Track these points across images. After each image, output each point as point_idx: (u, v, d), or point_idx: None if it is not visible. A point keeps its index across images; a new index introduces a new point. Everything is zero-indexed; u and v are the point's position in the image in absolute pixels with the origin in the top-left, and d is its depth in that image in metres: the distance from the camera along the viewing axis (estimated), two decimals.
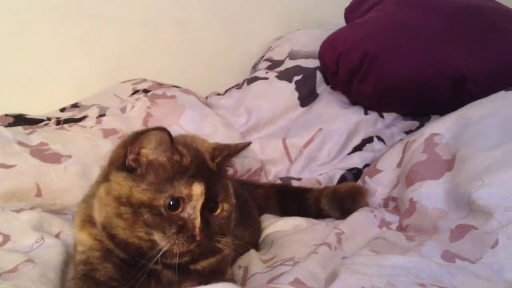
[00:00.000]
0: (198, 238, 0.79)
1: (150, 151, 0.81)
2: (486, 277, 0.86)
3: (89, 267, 0.86)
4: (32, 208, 1.20)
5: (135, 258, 0.83)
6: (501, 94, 1.32)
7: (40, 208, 1.23)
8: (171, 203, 0.79)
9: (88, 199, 0.90)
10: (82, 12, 1.84)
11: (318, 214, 1.39)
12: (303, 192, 1.46)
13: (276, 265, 1.03)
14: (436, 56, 1.62)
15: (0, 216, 1.12)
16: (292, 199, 1.45)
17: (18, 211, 1.14)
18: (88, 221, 0.88)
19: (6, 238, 1.06)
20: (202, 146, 0.89)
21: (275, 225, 1.32)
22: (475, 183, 1.07)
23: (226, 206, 0.87)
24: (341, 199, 1.37)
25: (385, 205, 1.33)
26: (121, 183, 0.81)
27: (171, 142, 0.80)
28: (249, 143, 0.91)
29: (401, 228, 1.18)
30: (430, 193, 1.17)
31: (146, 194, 0.79)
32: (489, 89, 1.41)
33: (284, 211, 1.42)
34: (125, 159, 0.82)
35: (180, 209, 0.80)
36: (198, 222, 0.80)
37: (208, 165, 0.86)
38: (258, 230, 1.32)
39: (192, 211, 0.80)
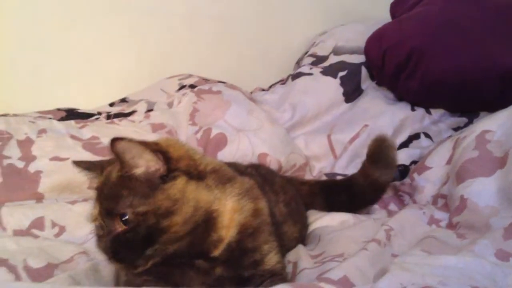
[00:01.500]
0: None
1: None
2: None
3: None
4: (85, 200, 1.23)
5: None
6: None
7: (92, 199, 1.26)
8: None
9: None
10: (127, 8, 1.88)
11: (374, 188, 1.38)
12: (348, 180, 1.45)
13: (325, 261, 1.02)
14: (483, 52, 1.59)
15: (56, 208, 1.16)
16: (341, 191, 1.43)
17: (72, 202, 1.18)
18: None
19: (62, 229, 1.10)
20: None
21: (322, 220, 1.31)
22: None
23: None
24: (373, 157, 1.38)
25: (434, 202, 1.30)
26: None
27: None
28: None
29: (451, 226, 1.16)
30: (481, 191, 1.15)
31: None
32: None
33: (332, 206, 1.39)
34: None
35: None
36: None
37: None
38: (306, 225, 1.31)
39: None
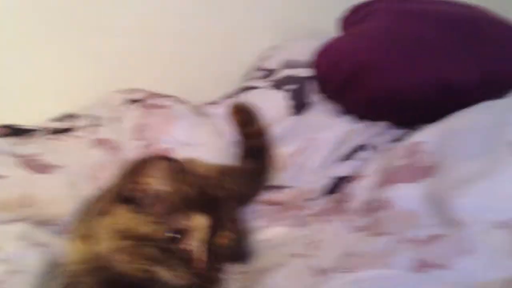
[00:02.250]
0: (203, 271, 0.78)
1: (152, 181, 0.79)
2: (458, 282, 0.87)
3: (73, 280, 0.87)
4: (20, 219, 1.22)
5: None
6: (485, 104, 1.33)
7: (29, 218, 1.24)
8: (174, 235, 0.78)
9: (83, 220, 0.90)
10: (79, 23, 1.87)
11: None
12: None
13: (248, 279, 1.04)
14: (427, 67, 1.63)
15: None
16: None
17: (6, 222, 1.17)
18: (85, 237, 0.88)
19: None
20: (203, 170, 0.88)
21: (260, 234, 1.33)
22: (453, 192, 1.08)
23: (228, 233, 0.85)
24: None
25: (363, 208, 1.34)
26: (122, 217, 0.80)
27: (177, 171, 0.79)
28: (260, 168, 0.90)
29: (371, 228, 1.19)
30: (405, 194, 1.18)
31: (148, 227, 0.78)
32: (478, 99, 1.42)
33: None
34: (126, 191, 0.81)
35: (184, 241, 0.79)
36: (203, 254, 0.79)
37: (211, 193, 0.84)
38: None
39: (197, 243, 0.79)
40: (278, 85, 1.89)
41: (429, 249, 0.95)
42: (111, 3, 1.91)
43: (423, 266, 0.92)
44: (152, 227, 0.77)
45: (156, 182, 0.79)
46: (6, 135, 1.52)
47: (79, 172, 1.39)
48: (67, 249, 0.92)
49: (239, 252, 1.24)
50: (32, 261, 1.03)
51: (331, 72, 1.77)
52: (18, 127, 1.58)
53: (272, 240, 1.26)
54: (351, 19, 2.01)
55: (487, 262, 0.91)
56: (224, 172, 0.85)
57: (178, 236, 0.77)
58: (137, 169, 0.80)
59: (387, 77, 1.68)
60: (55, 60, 1.85)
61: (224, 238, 0.83)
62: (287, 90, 1.87)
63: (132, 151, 1.55)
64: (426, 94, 1.64)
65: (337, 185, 1.57)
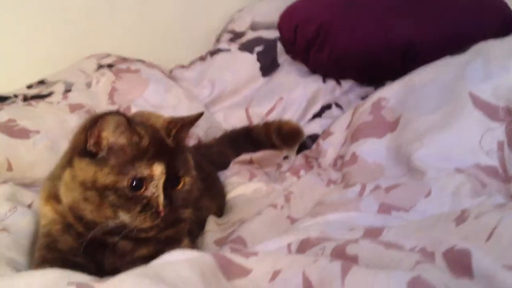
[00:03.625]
0: (161, 214, 0.84)
1: (109, 134, 0.84)
2: (416, 219, 0.96)
3: (51, 238, 0.92)
4: (4, 182, 1.26)
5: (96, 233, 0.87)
6: (445, 60, 1.41)
7: (12, 181, 1.28)
8: (134, 184, 0.83)
9: (52, 178, 0.95)
10: None
11: (271, 147, 1.62)
12: (250, 131, 1.66)
13: (226, 228, 1.12)
14: (385, 26, 1.70)
15: None
16: (245, 141, 1.63)
17: None
18: (52, 197, 0.92)
19: None
20: (158, 123, 0.92)
21: (237, 190, 1.40)
22: (415, 144, 1.17)
23: (187, 179, 0.91)
24: (284, 137, 1.61)
25: (334, 164, 1.43)
26: (84, 169, 0.84)
27: (129, 124, 0.83)
28: (202, 113, 0.95)
29: (342, 180, 1.28)
30: (371, 149, 1.29)
31: (109, 177, 0.83)
32: (437, 57, 1.49)
33: (241, 153, 1.59)
34: (86, 144, 0.85)
35: (143, 189, 0.84)
36: (161, 199, 0.84)
37: (166, 142, 0.89)
38: (223, 198, 1.40)
39: (155, 189, 0.84)
40: (248, 47, 1.93)
41: (392, 195, 1.04)
42: None
43: (386, 209, 1.01)
44: (112, 177, 0.83)
45: (110, 136, 0.84)
46: None
47: (56, 137, 1.41)
48: (41, 211, 0.97)
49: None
50: (20, 221, 1.07)
51: (295, 33, 1.81)
52: None
53: (249, 195, 1.34)
54: None
55: (442, 203, 1.00)
56: (173, 121, 0.91)
57: (137, 183, 0.83)
58: (91, 124, 0.84)
59: (347, 36, 1.74)
60: (22, 26, 1.84)
61: (185, 183, 0.90)
62: (257, 52, 1.91)
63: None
64: (386, 52, 1.72)
65: (308, 142, 1.65)
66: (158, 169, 0.85)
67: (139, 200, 0.84)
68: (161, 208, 0.84)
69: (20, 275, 0.64)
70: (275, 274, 0.67)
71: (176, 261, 0.61)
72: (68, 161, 0.89)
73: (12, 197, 1.17)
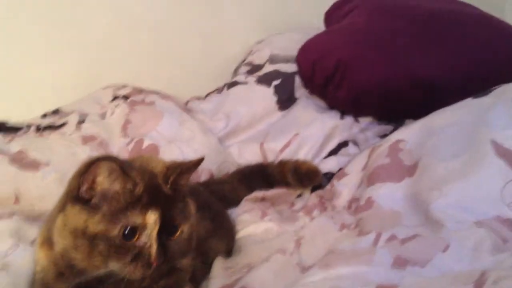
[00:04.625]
0: (154, 264, 0.80)
1: (102, 180, 0.81)
2: (433, 276, 0.91)
3: (44, 286, 0.89)
4: (9, 215, 1.23)
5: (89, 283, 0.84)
6: (466, 102, 1.36)
7: (18, 214, 1.26)
8: (125, 233, 0.80)
9: (48, 221, 0.92)
10: (64, 16, 1.88)
11: (285, 185, 1.57)
12: (265, 169, 1.62)
13: (232, 274, 1.07)
14: (405, 63, 1.67)
15: None
16: (259, 178, 1.59)
17: None
18: (46, 242, 0.90)
19: None
20: (157, 168, 0.89)
21: (247, 229, 1.35)
22: (434, 193, 1.12)
23: (185, 228, 0.87)
24: (301, 177, 1.56)
25: (349, 206, 1.37)
26: (76, 216, 0.82)
27: (122, 170, 0.81)
28: (201, 159, 0.92)
29: (356, 226, 1.23)
30: (388, 194, 1.23)
31: (99, 225, 0.80)
32: (459, 95, 1.45)
33: (253, 190, 1.55)
34: (79, 190, 0.83)
35: (136, 238, 0.81)
36: (153, 249, 0.81)
37: (163, 189, 0.86)
38: (233, 238, 1.35)
39: (147, 239, 0.81)
40: (265, 80, 1.90)
41: (407, 247, 0.99)
42: None
43: (401, 263, 0.95)
44: (103, 225, 0.79)
45: (103, 182, 0.82)
46: None
47: (66, 169, 1.39)
48: (36, 256, 0.94)
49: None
50: (21, 259, 1.04)
51: (313, 69, 1.79)
52: (4, 124, 1.58)
53: (259, 235, 1.29)
54: (334, 15, 2.04)
55: (461, 257, 0.94)
56: (172, 167, 0.87)
57: (129, 233, 0.79)
58: (85, 169, 0.82)
59: (366, 73, 1.71)
60: (39, 55, 1.85)
61: (182, 232, 0.86)
62: (274, 86, 1.88)
63: (119, 148, 1.57)
64: (406, 90, 1.68)
65: (323, 180, 1.60)
66: (152, 218, 0.82)
67: (130, 250, 0.81)
68: (153, 258, 0.81)
69: None
70: None
71: None
72: (61, 206, 0.86)
73: (15, 233, 1.14)
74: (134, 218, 0.81)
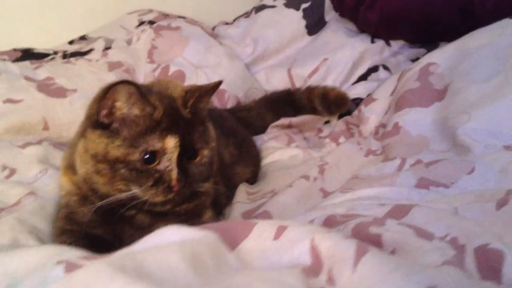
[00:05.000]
0: (175, 189, 0.81)
1: (121, 104, 0.80)
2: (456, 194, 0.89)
3: (69, 209, 0.91)
4: (39, 142, 1.26)
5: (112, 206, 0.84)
6: (503, 22, 1.28)
7: (48, 141, 1.28)
8: (146, 157, 0.80)
9: (71, 146, 0.93)
10: None
11: (312, 111, 1.56)
12: (292, 95, 1.60)
13: (256, 198, 1.08)
14: None
15: (7, 152, 1.19)
16: (286, 104, 1.58)
17: (23, 146, 1.21)
18: (70, 167, 0.90)
19: (13, 171, 1.13)
20: (176, 92, 0.87)
21: (273, 155, 1.35)
22: (462, 116, 1.08)
23: (205, 152, 0.87)
24: (329, 104, 1.55)
25: (376, 132, 1.35)
26: (96, 141, 0.82)
27: (141, 94, 0.79)
28: (220, 82, 0.90)
29: (382, 152, 1.21)
30: (416, 120, 1.19)
31: (120, 150, 0.80)
32: (497, 15, 1.36)
33: (281, 116, 1.54)
34: (98, 115, 0.82)
35: (156, 162, 0.81)
36: (174, 173, 0.81)
37: (182, 113, 0.85)
38: (258, 164, 1.36)
39: (168, 163, 0.81)
40: (294, 3, 1.84)
41: (432, 170, 0.96)
42: None
43: (425, 184, 0.93)
44: (123, 149, 0.79)
45: (122, 106, 0.80)
46: (17, 59, 1.53)
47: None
48: (60, 181, 0.96)
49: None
50: (49, 184, 1.07)
51: None
52: (30, 50, 1.59)
53: (285, 162, 1.29)
54: None
55: (487, 179, 0.91)
56: (191, 91, 0.85)
57: (150, 157, 0.80)
58: (103, 95, 0.81)
59: None
60: None
61: (202, 156, 0.86)
62: (303, 9, 1.82)
63: (146, 74, 1.56)
64: (442, 12, 1.58)
65: (351, 106, 1.57)
66: (171, 142, 0.81)
67: (151, 174, 0.81)
68: (174, 182, 0.81)
69: (17, 251, 0.62)
70: (280, 230, 0.62)
71: (164, 245, 0.56)
72: (82, 132, 0.86)
73: (44, 159, 1.16)
74: (154, 143, 0.80)
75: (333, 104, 1.55)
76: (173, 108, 0.84)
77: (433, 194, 0.90)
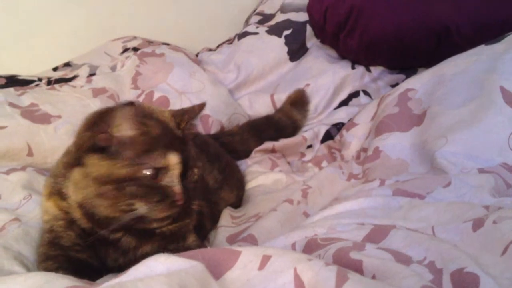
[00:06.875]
0: (180, 203, 0.83)
1: (119, 128, 0.82)
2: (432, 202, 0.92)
3: (54, 234, 0.91)
4: (23, 168, 1.26)
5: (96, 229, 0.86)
6: (478, 49, 1.32)
7: (32, 167, 1.28)
8: (152, 173, 0.82)
9: (55, 176, 0.94)
10: None
11: (294, 127, 1.66)
12: (272, 118, 1.67)
13: (241, 222, 1.09)
14: (420, 9, 1.61)
15: None
16: (268, 127, 1.63)
17: (8, 172, 1.21)
18: (55, 194, 0.91)
19: None
20: (163, 116, 0.90)
21: (257, 180, 1.38)
22: (440, 140, 1.11)
23: (196, 170, 0.90)
24: (298, 106, 1.68)
25: (358, 156, 1.38)
26: (97, 164, 0.82)
27: (137, 116, 0.82)
28: (204, 104, 0.94)
29: (363, 175, 1.23)
30: (396, 144, 1.23)
31: (125, 169, 0.81)
32: (474, 41, 1.41)
33: (264, 141, 1.58)
34: (94, 140, 0.83)
35: (159, 179, 0.83)
36: (179, 188, 0.83)
37: (175, 133, 0.88)
38: (242, 188, 1.38)
39: (171, 179, 0.83)
40: (276, 30, 1.88)
41: (408, 184, 1.00)
42: None
43: (400, 193, 0.96)
44: (128, 168, 0.81)
45: (122, 128, 0.82)
46: (1, 86, 1.53)
47: (78, 121, 1.40)
48: (43, 206, 0.96)
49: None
50: (33, 210, 1.07)
51: (325, 16, 1.74)
52: (14, 77, 1.59)
53: (269, 186, 1.31)
54: None
55: (462, 193, 0.94)
56: (178, 114, 0.89)
57: (155, 173, 0.81)
58: (102, 118, 0.83)
59: (380, 20, 1.66)
60: (49, 9, 1.83)
61: (193, 173, 0.89)
62: (285, 36, 1.86)
63: (130, 99, 1.57)
64: (420, 36, 1.63)
65: (334, 131, 1.60)
66: (174, 159, 0.84)
67: (158, 190, 0.83)
68: (179, 197, 0.83)
69: (4, 279, 0.63)
70: (265, 260, 0.63)
71: (151, 276, 0.57)
72: (74, 160, 0.87)
73: (28, 185, 1.17)
74: (158, 160, 0.83)
75: (299, 103, 1.67)
76: (167, 128, 0.87)
77: (409, 200, 0.93)
